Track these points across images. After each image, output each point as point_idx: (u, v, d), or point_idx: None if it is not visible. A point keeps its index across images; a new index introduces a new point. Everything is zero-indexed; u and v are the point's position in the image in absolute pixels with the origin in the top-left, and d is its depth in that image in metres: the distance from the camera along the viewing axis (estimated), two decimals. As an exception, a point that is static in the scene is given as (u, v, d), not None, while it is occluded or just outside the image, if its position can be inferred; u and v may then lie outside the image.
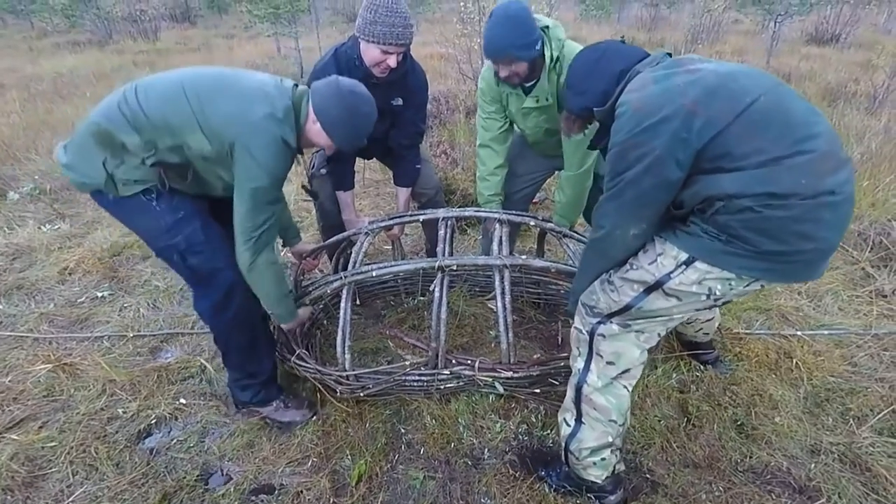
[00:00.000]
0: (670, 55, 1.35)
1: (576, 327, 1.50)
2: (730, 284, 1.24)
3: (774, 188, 1.11)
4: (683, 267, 1.24)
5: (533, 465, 1.72)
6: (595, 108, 1.36)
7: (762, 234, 1.14)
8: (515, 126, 2.26)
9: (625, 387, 1.45)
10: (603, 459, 1.49)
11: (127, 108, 1.48)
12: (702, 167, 1.18)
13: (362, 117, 1.64)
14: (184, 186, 1.61)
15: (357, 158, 2.49)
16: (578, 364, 1.49)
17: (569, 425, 1.52)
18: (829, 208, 1.13)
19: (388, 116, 2.21)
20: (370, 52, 1.94)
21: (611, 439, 1.47)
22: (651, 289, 1.30)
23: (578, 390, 1.48)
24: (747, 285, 1.24)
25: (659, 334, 1.42)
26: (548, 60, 1.90)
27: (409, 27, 1.93)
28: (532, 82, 1.98)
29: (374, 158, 2.63)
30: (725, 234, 1.17)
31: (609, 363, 1.43)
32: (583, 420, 1.48)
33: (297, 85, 1.65)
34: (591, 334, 1.44)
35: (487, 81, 2.12)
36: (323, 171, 2.31)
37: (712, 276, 1.22)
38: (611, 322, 1.41)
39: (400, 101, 2.19)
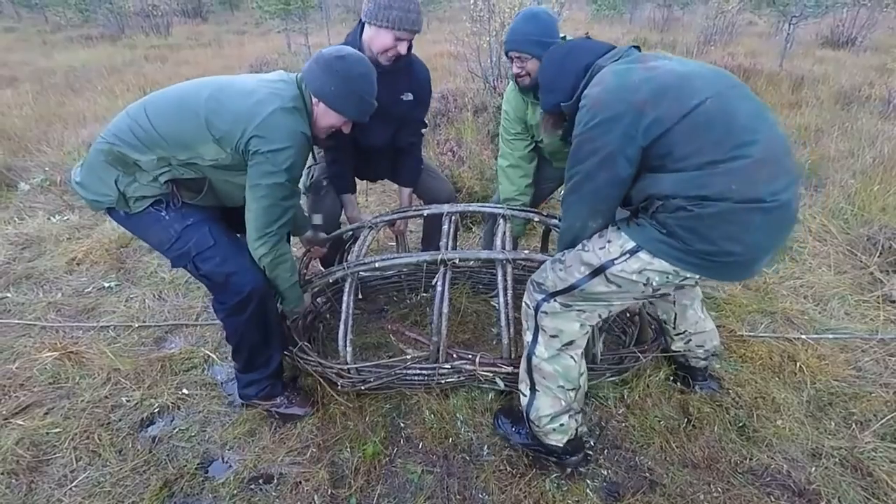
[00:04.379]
0: (638, 48, 1.39)
1: (525, 302, 1.57)
2: (667, 277, 1.30)
3: (706, 191, 1.16)
4: (627, 255, 1.30)
5: (502, 423, 1.80)
6: (563, 104, 1.42)
7: (693, 232, 1.20)
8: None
9: (571, 357, 1.52)
10: (562, 425, 1.57)
11: (139, 129, 1.50)
12: (648, 164, 1.24)
13: (359, 78, 1.60)
14: (198, 200, 1.62)
15: (361, 180, 2.43)
16: (528, 337, 1.57)
17: (525, 395, 1.60)
18: (760, 213, 1.17)
19: (396, 117, 2.16)
20: (381, 38, 1.90)
21: (565, 404, 1.54)
22: (595, 272, 1.36)
23: (529, 360, 1.56)
24: (682, 280, 1.30)
25: (600, 315, 1.48)
26: None
27: (421, 14, 1.94)
28: None
29: (380, 180, 2.55)
30: (665, 230, 1.24)
31: (553, 336, 1.50)
32: (536, 388, 1.56)
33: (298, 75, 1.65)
34: (536, 310, 1.51)
35: (511, 102, 2.14)
36: (324, 182, 2.26)
37: (652, 267, 1.28)
38: (554, 300, 1.47)
39: (410, 97, 2.15)
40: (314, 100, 1.60)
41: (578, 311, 1.46)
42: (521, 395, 1.61)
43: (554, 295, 1.46)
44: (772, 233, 1.22)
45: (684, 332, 1.84)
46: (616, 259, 1.32)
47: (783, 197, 1.18)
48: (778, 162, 1.20)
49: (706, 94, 1.18)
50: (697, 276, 1.30)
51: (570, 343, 1.50)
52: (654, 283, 1.32)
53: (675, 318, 1.83)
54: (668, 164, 1.20)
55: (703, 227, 1.19)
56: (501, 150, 2.28)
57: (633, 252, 1.29)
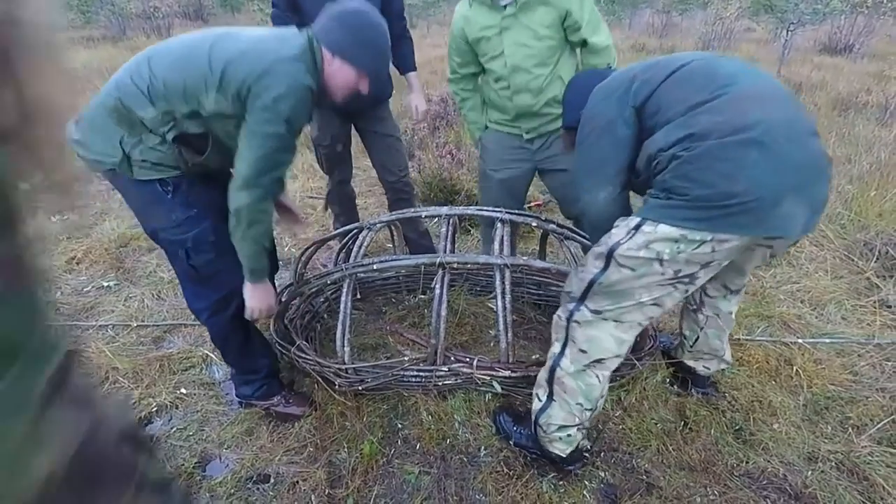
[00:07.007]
0: None
1: (557, 315, 1.52)
2: (677, 246, 1.21)
3: (693, 130, 1.18)
4: (633, 232, 1.26)
5: (503, 421, 1.79)
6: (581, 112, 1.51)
7: (688, 179, 1.17)
8: (490, 86, 2.16)
9: (597, 376, 1.46)
10: (569, 436, 1.55)
11: (140, 79, 1.43)
12: (645, 127, 1.30)
13: (374, 27, 1.55)
14: (204, 161, 1.53)
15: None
16: (555, 349, 1.51)
17: (540, 400, 1.57)
18: (755, 147, 1.12)
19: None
20: None
21: (578, 421, 1.52)
22: (607, 260, 1.31)
23: (552, 372, 1.51)
24: (696, 247, 1.20)
25: (640, 324, 1.40)
26: None
27: None
28: None
29: (358, 125, 2.56)
30: (665, 192, 1.22)
31: (581, 350, 1.44)
32: (553, 398, 1.52)
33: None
34: (568, 320, 1.46)
35: (458, 22, 2.08)
36: (339, 148, 2.44)
37: (657, 236, 1.22)
38: (584, 307, 1.41)
39: None
40: (329, 55, 1.53)
41: (614, 320, 1.38)
42: (536, 399, 1.58)
43: (582, 300, 1.41)
44: (780, 170, 1.12)
45: (698, 351, 1.87)
46: (622, 239, 1.27)
47: (781, 132, 1.13)
48: (769, 98, 1.19)
49: (692, 58, 1.32)
50: (709, 237, 1.17)
51: (599, 361, 1.44)
52: (665, 257, 1.22)
53: (696, 341, 1.84)
54: (660, 121, 1.25)
55: (696, 170, 1.15)
56: (453, 89, 2.33)
57: (637, 227, 1.25)
